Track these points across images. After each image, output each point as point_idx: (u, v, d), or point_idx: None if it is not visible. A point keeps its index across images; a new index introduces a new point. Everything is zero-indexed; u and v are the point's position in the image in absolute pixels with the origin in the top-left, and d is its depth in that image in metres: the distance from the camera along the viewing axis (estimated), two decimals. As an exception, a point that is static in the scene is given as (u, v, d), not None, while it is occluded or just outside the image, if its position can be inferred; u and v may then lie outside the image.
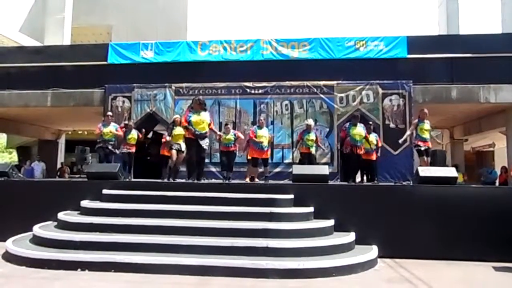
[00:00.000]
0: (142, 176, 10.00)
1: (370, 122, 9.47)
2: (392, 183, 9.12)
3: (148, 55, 11.80)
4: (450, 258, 5.81)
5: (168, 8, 22.80)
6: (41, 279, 4.66)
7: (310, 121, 9.11)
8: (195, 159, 7.37)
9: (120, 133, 9.09)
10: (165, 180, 8.14)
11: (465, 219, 6.04)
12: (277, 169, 10.50)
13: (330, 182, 7.85)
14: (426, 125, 8.33)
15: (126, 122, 9.84)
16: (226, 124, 9.34)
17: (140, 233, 5.51)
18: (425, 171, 6.75)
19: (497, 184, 11.88)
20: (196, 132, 7.23)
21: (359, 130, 8.35)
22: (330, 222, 5.96)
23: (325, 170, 7.23)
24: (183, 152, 8.26)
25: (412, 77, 10.67)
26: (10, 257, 5.41)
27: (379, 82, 10.68)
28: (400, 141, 8.87)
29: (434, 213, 6.13)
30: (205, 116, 7.43)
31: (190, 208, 6.02)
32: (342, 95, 10.75)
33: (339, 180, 10.05)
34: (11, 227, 6.28)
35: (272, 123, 10.90)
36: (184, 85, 11.19)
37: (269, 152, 9.21)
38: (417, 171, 6.95)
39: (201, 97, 7.94)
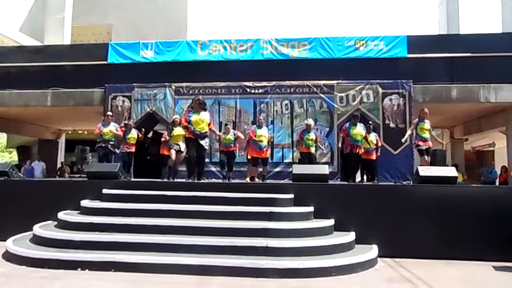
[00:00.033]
0: (142, 176, 10.01)
1: (370, 122, 9.48)
2: (392, 183, 9.09)
3: (148, 55, 11.79)
4: (450, 258, 5.80)
5: (168, 8, 22.79)
6: (41, 279, 4.66)
7: (310, 121, 9.11)
8: (195, 159, 7.38)
9: (120, 133, 9.09)
10: (165, 180, 8.14)
11: (465, 218, 6.04)
12: (277, 169, 10.50)
13: (330, 182, 7.85)
14: (426, 124, 8.33)
15: (126, 121, 9.87)
16: (226, 124, 9.36)
17: (140, 232, 5.51)
18: (425, 170, 6.75)
19: (497, 183, 11.87)
20: (196, 132, 7.24)
21: (359, 129, 8.36)
22: (330, 222, 5.96)
23: (325, 169, 7.23)
24: (182, 152, 8.26)
25: (412, 77, 10.65)
26: (10, 257, 5.41)
27: (379, 81, 10.67)
28: (402, 140, 8.89)
29: (434, 213, 6.13)
30: (205, 116, 7.44)
31: (190, 207, 6.02)
32: (342, 94, 10.74)
33: (339, 179, 10.04)
34: (11, 227, 6.29)
35: (272, 122, 10.89)
36: (184, 84, 11.19)
37: (268, 152, 9.23)
38: (417, 170, 6.94)
39: (201, 97, 7.97)
